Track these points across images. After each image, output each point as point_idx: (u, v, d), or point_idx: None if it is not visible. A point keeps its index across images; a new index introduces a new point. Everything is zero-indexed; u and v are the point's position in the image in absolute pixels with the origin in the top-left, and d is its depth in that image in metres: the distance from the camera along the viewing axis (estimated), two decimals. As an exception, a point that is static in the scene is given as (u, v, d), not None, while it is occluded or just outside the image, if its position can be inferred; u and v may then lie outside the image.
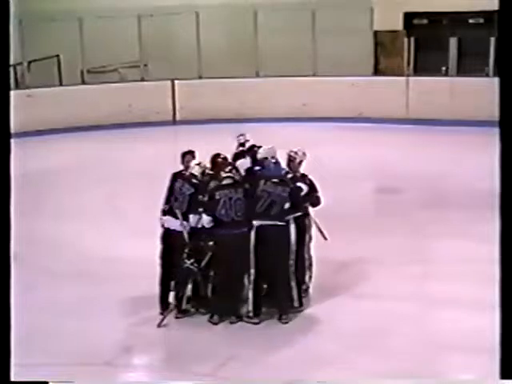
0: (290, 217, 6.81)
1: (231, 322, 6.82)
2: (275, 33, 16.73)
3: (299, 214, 6.93)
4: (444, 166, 12.62)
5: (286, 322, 6.81)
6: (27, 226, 8.48)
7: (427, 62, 16.79)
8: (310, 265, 7.28)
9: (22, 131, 12.72)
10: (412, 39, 16.76)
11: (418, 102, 16.00)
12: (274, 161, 7.05)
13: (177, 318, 6.94)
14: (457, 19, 16.69)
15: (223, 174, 6.92)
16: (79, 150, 14.67)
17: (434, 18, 16.87)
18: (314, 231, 7.25)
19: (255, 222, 6.72)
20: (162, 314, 6.93)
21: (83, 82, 17.01)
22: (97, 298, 7.44)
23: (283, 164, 7.16)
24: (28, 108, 14.99)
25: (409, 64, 16.77)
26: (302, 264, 7.11)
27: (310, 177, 7.11)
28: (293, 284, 6.90)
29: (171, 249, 6.96)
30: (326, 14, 16.30)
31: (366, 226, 9.52)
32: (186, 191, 6.93)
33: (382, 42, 17.01)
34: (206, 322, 6.83)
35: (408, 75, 16.42)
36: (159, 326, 6.77)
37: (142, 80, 17.12)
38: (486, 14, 15.44)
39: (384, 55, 17.06)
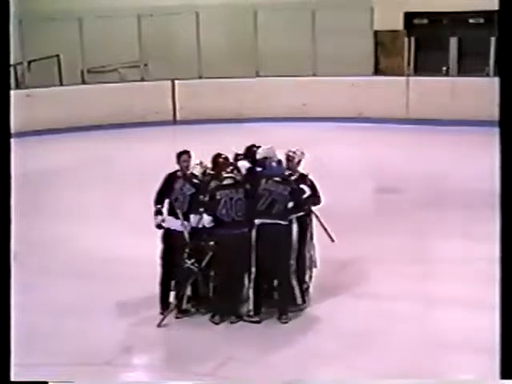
0: (293, 216, 6.83)
1: (231, 322, 6.82)
2: (275, 33, 16.75)
3: (301, 213, 6.94)
4: (444, 165, 12.62)
5: (286, 322, 6.81)
6: (27, 226, 8.47)
7: (427, 62, 16.78)
8: (311, 264, 7.28)
9: (21, 131, 12.73)
10: (412, 39, 16.76)
11: (418, 101, 16.01)
12: (276, 160, 7.04)
13: (177, 317, 6.94)
14: (457, 19, 16.69)
15: (224, 174, 6.92)
16: (79, 149, 14.67)
17: (435, 17, 16.87)
18: (315, 231, 7.24)
19: (256, 221, 6.73)
20: (162, 313, 6.92)
21: (83, 82, 17.04)
22: (97, 297, 7.44)
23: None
24: (28, 108, 15.00)
25: (409, 64, 16.77)
26: (303, 263, 7.12)
27: (310, 177, 7.12)
28: (294, 283, 6.92)
29: (172, 249, 6.96)
30: (326, 13, 16.31)
31: (366, 225, 9.52)
32: (187, 191, 6.93)
33: (383, 42, 17.01)
34: (206, 321, 6.83)
35: (408, 75, 16.42)
36: (159, 325, 6.77)
37: (142, 80, 17.14)
38: (487, 14, 15.45)
39: (384, 55, 17.06)
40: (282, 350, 6.33)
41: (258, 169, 7.10)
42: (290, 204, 6.79)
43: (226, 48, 17.60)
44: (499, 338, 3.40)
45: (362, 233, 9.02)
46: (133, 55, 17.12)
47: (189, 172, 7.05)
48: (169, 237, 6.98)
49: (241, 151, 7.43)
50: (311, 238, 7.26)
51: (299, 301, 7.00)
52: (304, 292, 7.06)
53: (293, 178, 6.98)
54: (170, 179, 7.09)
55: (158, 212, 7.07)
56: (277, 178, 6.83)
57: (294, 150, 7.15)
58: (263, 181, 6.84)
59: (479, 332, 6.06)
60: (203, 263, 6.75)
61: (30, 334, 6.29)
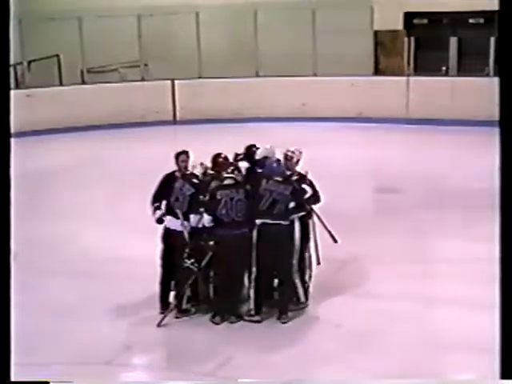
0: (295, 216, 6.83)
1: (231, 322, 6.83)
2: (275, 32, 16.74)
3: (303, 213, 6.94)
4: (444, 165, 12.63)
5: (286, 322, 6.81)
6: (26, 226, 8.47)
7: (427, 62, 16.79)
8: (309, 264, 7.29)
9: (21, 131, 12.73)
10: (412, 39, 16.75)
11: (418, 101, 15.99)
12: (275, 160, 7.05)
13: (177, 317, 6.94)
14: (457, 19, 16.69)
15: (225, 175, 6.92)
16: (79, 149, 14.67)
17: (435, 17, 16.88)
18: (317, 231, 7.25)
19: (257, 221, 6.73)
20: (162, 313, 6.92)
21: (83, 82, 17.02)
22: (96, 297, 7.44)
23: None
24: (28, 108, 14.99)
25: (409, 64, 16.76)
26: (304, 263, 7.12)
27: (308, 176, 7.12)
28: (297, 281, 6.96)
29: (172, 249, 6.96)
30: (326, 13, 16.30)
31: (366, 225, 9.54)
32: (187, 191, 6.93)
33: (383, 42, 17.01)
34: (205, 321, 6.83)
35: (408, 75, 16.41)
36: (159, 325, 6.77)
37: (142, 80, 17.13)
38: (486, 14, 15.45)
39: (384, 55, 17.06)
40: (282, 350, 6.34)
41: (259, 170, 7.10)
42: (292, 204, 6.79)
43: (226, 48, 17.61)
44: (499, 338, 3.40)
45: (362, 233, 9.03)
46: (133, 55, 17.10)
47: (189, 172, 7.04)
48: (168, 237, 6.98)
49: (240, 151, 7.44)
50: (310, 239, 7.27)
51: (302, 299, 7.03)
52: (306, 290, 7.08)
53: (294, 178, 6.97)
54: (167, 180, 7.09)
55: (157, 208, 7.07)
56: (277, 178, 6.83)
57: (292, 149, 7.14)
58: (264, 181, 6.84)
59: (479, 332, 6.06)
60: (203, 263, 6.75)
61: (30, 333, 6.28)
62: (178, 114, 17.01)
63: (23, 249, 6.79)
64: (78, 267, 8.35)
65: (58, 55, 17.72)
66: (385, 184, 12.02)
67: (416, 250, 8.65)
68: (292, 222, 6.81)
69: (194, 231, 6.83)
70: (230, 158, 7.27)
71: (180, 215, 6.84)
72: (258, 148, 7.39)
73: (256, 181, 6.89)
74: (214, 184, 6.93)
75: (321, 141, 14.28)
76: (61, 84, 17.70)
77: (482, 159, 10.19)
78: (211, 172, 7.11)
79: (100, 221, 10.19)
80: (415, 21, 16.98)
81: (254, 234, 6.73)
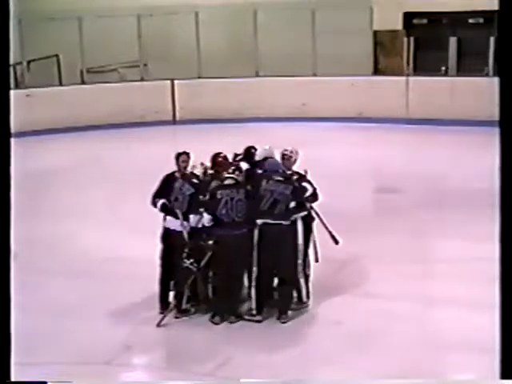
0: (297, 216, 6.83)
1: (231, 322, 6.82)
2: (275, 33, 16.75)
3: (305, 213, 6.94)
4: (444, 165, 12.62)
5: (285, 322, 6.81)
6: (26, 226, 8.47)
7: (427, 62, 16.80)
8: (308, 263, 7.28)
9: (21, 131, 12.71)
10: (412, 39, 16.77)
11: (417, 101, 16.01)
12: (272, 162, 7.04)
13: (176, 317, 6.94)
14: (456, 19, 16.70)
15: (226, 175, 6.92)
16: (78, 149, 14.67)
17: (434, 17, 16.89)
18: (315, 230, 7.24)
19: (258, 221, 6.73)
20: (161, 313, 6.92)
21: (83, 82, 17.05)
22: (96, 297, 7.44)
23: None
24: (27, 108, 14.99)
25: (408, 64, 16.78)
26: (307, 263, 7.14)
27: (308, 177, 7.12)
28: (302, 281, 6.97)
29: (171, 249, 6.95)
30: (326, 13, 16.31)
31: (366, 225, 9.54)
32: (186, 191, 6.92)
33: (382, 42, 17.02)
34: (205, 321, 6.82)
35: (408, 75, 16.43)
36: (159, 325, 6.77)
37: (142, 80, 17.15)
38: (486, 14, 15.46)
39: (384, 55, 17.07)
40: (282, 350, 6.34)
41: (259, 171, 7.09)
42: (292, 203, 6.79)
43: (225, 48, 17.61)
44: (499, 337, 3.40)
45: (362, 233, 9.02)
46: (132, 55, 17.12)
47: (188, 172, 7.04)
48: (168, 237, 6.98)
49: (240, 151, 7.43)
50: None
51: (305, 299, 7.05)
52: (308, 291, 7.09)
53: (295, 177, 6.97)
54: (167, 180, 7.08)
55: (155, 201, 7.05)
56: (277, 178, 6.83)
57: (289, 149, 7.14)
58: (264, 181, 6.83)
59: (479, 332, 6.06)
60: (202, 263, 6.74)
61: (30, 333, 6.27)
62: (177, 113, 17.03)
63: (23, 249, 6.78)
64: (77, 267, 8.35)
65: (57, 55, 17.73)
66: (385, 184, 12.02)
67: (416, 249, 8.65)
68: (294, 222, 6.80)
69: (194, 231, 6.82)
70: (230, 158, 7.27)
71: (180, 215, 6.83)
72: (256, 149, 7.38)
73: (256, 181, 6.89)
74: (214, 184, 6.92)
75: (320, 141, 14.30)
76: (60, 84, 17.71)
77: (482, 159, 10.19)
78: (211, 172, 7.11)
79: (100, 221, 10.18)
80: (415, 21, 16.98)
81: (256, 233, 6.72)
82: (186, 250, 6.75)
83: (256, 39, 16.86)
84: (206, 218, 6.74)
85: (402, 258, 8.30)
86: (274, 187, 6.78)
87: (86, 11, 16.73)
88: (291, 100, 16.43)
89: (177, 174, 7.06)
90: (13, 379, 3.54)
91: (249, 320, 6.82)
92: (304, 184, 6.93)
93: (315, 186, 7.01)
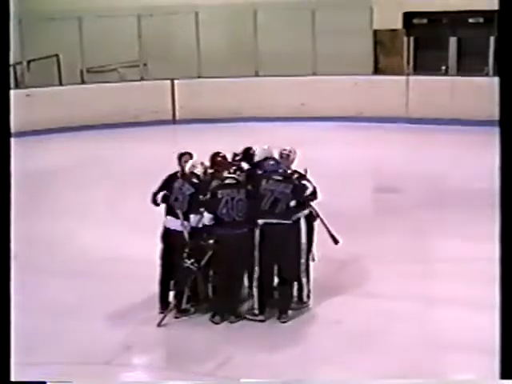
0: (299, 215, 6.83)
1: (231, 322, 6.82)
2: (275, 32, 16.74)
3: (306, 212, 6.93)
4: (444, 165, 12.62)
5: (285, 322, 6.82)
6: (26, 226, 8.47)
7: (427, 62, 16.81)
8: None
9: (20, 131, 12.71)
10: (412, 38, 16.76)
11: (417, 101, 16.01)
12: (272, 162, 7.02)
13: (176, 317, 6.93)
14: (457, 18, 16.70)
15: (227, 174, 6.92)
16: (78, 149, 14.68)
17: (434, 17, 16.89)
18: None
19: (259, 221, 6.73)
20: (161, 313, 6.92)
21: (83, 82, 17.04)
22: (96, 297, 7.44)
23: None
24: (27, 107, 14.99)
25: (408, 63, 16.77)
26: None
27: (308, 176, 7.12)
28: (304, 281, 6.97)
29: (171, 248, 6.95)
30: (326, 13, 16.31)
31: (366, 225, 9.55)
32: (186, 191, 6.92)
33: (382, 41, 17.03)
34: (205, 321, 6.83)
35: (408, 74, 16.43)
36: (159, 325, 6.77)
37: (142, 79, 17.15)
38: (486, 14, 15.46)
39: (384, 54, 17.08)
40: (282, 350, 6.34)
41: (259, 171, 7.08)
42: (293, 202, 6.78)
43: (225, 48, 17.62)
44: (499, 338, 3.41)
45: (362, 232, 9.02)
46: (132, 55, 17.13)
47: (188, 171, 7.03)
48: (168, 236, 6.98)
49: (239, 151, 7.40)
50: None
51: (305, 299, 7.05)
52: (309, 291, 7.09)
53: (295, 176, 6.97)
54: (169, 181, 7.08)
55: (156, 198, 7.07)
56: (277, 177, 6.83)
57: (288, 148, 7.15)
58: (264, 181, 6.84)
59: (479, 332, 6.05)
60: (202, 262, 6.74)
61: (30, 333, 6.28)
62: (177, 113, 17.02)
63: (23, 248, 6.80)
64: (77, 266, 8.35)
65: (57, 55, 17.73)
66: (385, 184, 12.02)
67: (416, 249, 8.65)
68: (296, 222, 6.80)
69: (194, 231, 6.82)
70: (229, 158, 7.27)
71: (180, 215, 6.83)
72: (253, 150, 7.35)
73: (256, 181, 6.89)
74: (214, 183, 6.93)
75: (320, 140, 14.32)
76: (60, 84, 17.69)
77: (482, 159, 10.20)
78: (210, 171, 7.11)
79: (99, 220, 10.20)
80: (415, 20, 16.98)
81: (257, 233, 6.73)
82: (187, 250, 6.74)
83: (256, 39, 16.85)
84: (207, 217, 6.74)
85: (403, 258, 8.30)
86: (274, 187, 6.78)
87: (85, 11, 16.73)
88: (291, 100, 16.42)
89: (179, 175, 7.07)
90: (13, 379, 3.55)
91: (251, 320, 6.82)
92: (304, 182, 6.93)
93: (315, 184, 7.00)
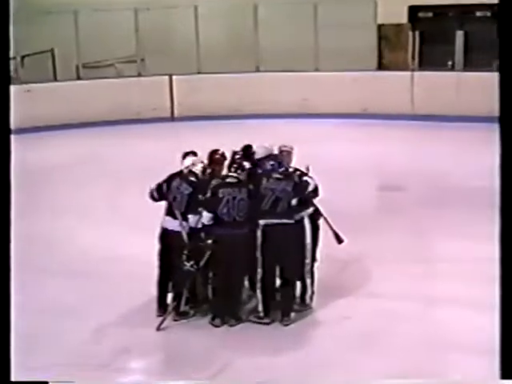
0: (302, 214, 6.86)
1: (231, 325, 6.85)
2: (276, 27, 16.76)
3: (309, 211, 6.96)
4: (449, 163, 12.61)
5: (287, 324, 6.85)
6: (25, 225, 8.53)
7: (433, 56, 16.81)
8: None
9: (15, 128, 12.69)
10: (417, 33, 16.81)
11: (423, 97, 16.00)
12: (272, 163, 7.04)
13: (175, 320, 6.95)
14: (463, 12, 16.75)
15: (228, 173, 6.94)
16: (74, 147, 14.69)
17: (440, 10, 16.92)
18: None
19: (261, 221, 6.75)
20: (159, 316, 6.94)
21: (78, 78, 17.06)
22: (96, 297, 7.48)
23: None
24: (22, 104, 14.97)
25: (414, 58, 16.81)
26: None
27: (310, 174, 7.14)
28: (308, 282, 7.01)
29: (169, 249, 6.96)
30: (329, 7, 16.35)
31: (369, 224, 9.57)
32: (184, 191, 6.94)
33: (386, 36, 17.04)
34: (204, 324, 6.86)
35: (413, 70, 16.46)
36: (158, 329, 6.79)
37: (139, 75, 17.14)
38: (494, 7, 15.44)
39: (388, 49, 17.08)
40: (285, 353, 6.39)
41: (259, 170, 7.11)
42: (294, 200, 6.81)
43: (225, 42, 17.60)
44: (499, 337, 3.46)
45: (364, 231, 9.04)
46: (129, 50, 17.11)
47: (186, 170, 7.05)
48: (166, 237, 6.98)
49: (238, 149, 7.38)
50: None
51: (308, 301, 7.09)
52: (313, 293, 7.12)
53: (297, 173, 7.00)
54: (170, 179, 7.10)
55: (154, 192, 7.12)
56: (277, 175, 6.86)
57: (287, 145, 7.22)
58: (264, 180, 6.87)
59: (481, 332, 6.08)
60: (201, 263, 6.74)
61: (30, 334, 6.31)
62: (175, 110, 17.01)
63: (22, 248, 6.84)
64: (76, 267, 8.39)
65: (52, 50, 17.70)
66: (388, 182, 12.05)
67: (419, 249, 8.69)
68: (298, 221, 6.83)
69: (193, 231, 6.83)
70: (228, 155, 7.27)
71: (178, 215, 6.85)
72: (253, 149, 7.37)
73: (256, 180, 6.92)
74: (214, 182, 6.94)
75: (323, 137, 14.34)
76: (55, 79, 17.64)
77: (488, 157, 10.17)
78: (209, 170, 7.15)
79: (99, 219, 10.25)
80: (420, 14, 17.02)
81: (259, 234, 6.74)
82: (186, 252, 6.75)
83: (257, 33, 16.86)
84: (206, 217, 6.75)
85: (405, 258, 8.34)
86: (274, 185, 6.81)
87: (81, 5, 16.71)
88: (293, 96, 16.41)
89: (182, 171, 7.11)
90: (13, 379, 3.62)
91: (257, 322, 6.85)
92: (305, 179, 6.95)
93: (316, 182, 7.03)
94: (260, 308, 6.88)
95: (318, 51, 16.59)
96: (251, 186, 6.87)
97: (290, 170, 7.03)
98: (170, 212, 6.97)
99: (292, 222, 6.79)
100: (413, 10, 16.85)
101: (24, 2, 17.22)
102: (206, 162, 7.21)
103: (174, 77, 16.92)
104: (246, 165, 7.12)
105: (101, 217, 10.38)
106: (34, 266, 8.25)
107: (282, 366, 6.17)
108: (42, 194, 11.56)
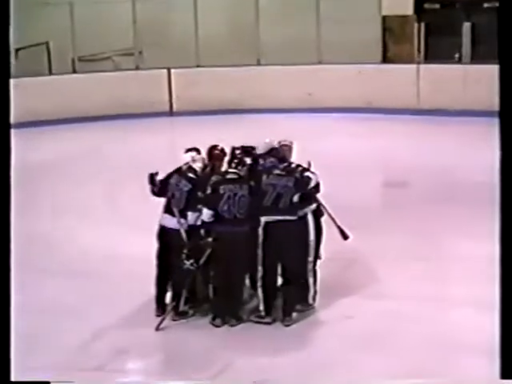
0: (305, 210, 6.89)
1: (231, 325, 6.88)
2: (277, 18, 16.75)
3: (312, 207, 6.99)
4: (455, 158, 12.62)
5: (289, 325, 6.88)
6: (22, 223, 8.57)
7: (439, 49, 16.77)
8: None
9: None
10: (423, 24, 16.75)
11: (429, 91, 15.99)
12: (272, 159, 7.10)
13: (174, 320, 6.98)
14: (471, 3, 16.72)
15: (228, 169, 6.99)
16: (71, 142, 14.71)
17: (447, 1, 16.90)
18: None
19: (263, 218, 6.77)
20: (158, 315, 6.98)
21: (74, 71, 17.04)
22: (95, 298, 7.51)
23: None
24: (15, 98, 14.93)
25: (419, 51, 16.77)
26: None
27: (311, 169, 7.17)
28: (311, 281, 7.01)
29: (168, 247, 7.00)
30: (332, -2, 16.39)
31: (372, 221, 9.58)
32: (183, 187, 6.96)
33: (391, 28, 16.99)
34: (204, 324, 6.90)
35: (419, 63, 16.44)
36: (157, 329, 6.82)
37: (137, 68, 17.12)
38: (502, -2, 15.44)
39: (393, 41, 17.04)
40: (286, 353, 6.43)
41: (260, 167, 7.16)
42: (296, 196, 6.84)
43: (225, 35, 17.51)
44: (499, 337, 3.53)
45: (368, 229, 9.02)
46: (127, 42, 17.08)
47: (185, 167, 7.08)
48: (164, 235, 7.02)
49: (238, 145, 7.40)
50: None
51: (311, 301, 7.11)
52: (315, 293, 7.14)
53: (299, 169, 7.01)
54: (168, 176, 7.15)
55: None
56: (277, 171, 6.90)
57: (286, 140, 7.25)
58: (264, 176, 6.91)
59: (480, 332, 6.12)
60: (201, 261, 6.77)
61: (30, 334, 6.35)
62: (174, 104, 16.99)
63: (21, 247, 6.88)
64: (75, 266, 8.44)
65: (47, 42, 17.62)
66: (393, 177, 12.14)
67: (424, 247, 8.71)
68: (301, 218, 6.85)
69: (192, 229, 6.86)
70: (228, 151, 7.31)
71: (176, 213, 6.87)
72: (253, 148, 7.35)
73: (257, 176, 6.96)
74: (214, 178, 6.96)
75: (326, 132, 14.37)
76: (50, 73, 17.57)
77: (495, 152, 10.20)
78: (208, 165, 7.19)
79: (98, 217, 10.31)
80: (426, 5, 16.98)
81: (260, 232, 6.77)
82: (185, 251, 6.77)
83: (258, 25, 16.82)
84: (206, 214, 6.77)
85: (410, 256, 8.38)
86: (275, 181, 6.84)
87: (78, -4, 16.76)
88: (295, 90, 16.39)
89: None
90: (13, 379, 3.67)
91: (258, 322, 6.88)
92: (307, 174, 6.96)
93: (318, 179, 7.03)
94: (261, 307, 6.91)
95: (321, 44, 16.57)
96: (252, 183, 6.89)
97: (292, 165, 7.04)
98: (168, 209, 7.00)
99: (294, 218, 6.81)
100: (418, 1, 16.82)
101: (18, -7, 17.22)
102: (205, 158, 7.25)
103: (172, 70, 16.88)
104: (247, 160, 7.16)
105: (100, 216, 10.40)
106: (33, 266, 8.26)
107: (283, 366, 6.21)
108: (39, 192, 11.53)
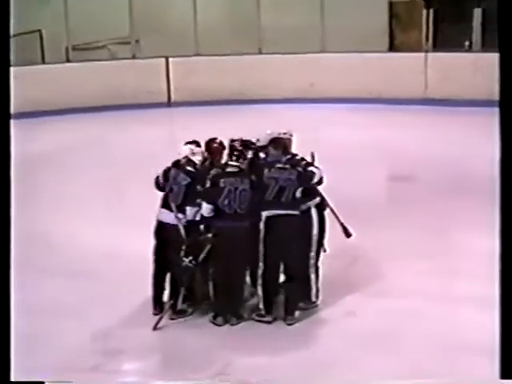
0: (309, 204, 6.93)
1: (232, 324, 6.93)
2: (279, 5, 16.80)
3: (315, 201, 7.03)
4: (465, 150, 12.60)
5: (291, 324, 6.94)
6: (20, 220, 8.62)
7: (448, 36, 16.77)
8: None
9: None
10: (431, 11, 16.77)
11: (437, 80, 16.04)
12: (273, 152, 7.10)
13: (172, 319, 7.02)
14: (482, -12, 16.78)
15: (229, 162, 7.02)
16: (65, 133, 14.77)
17: (457, -14, 16.95)
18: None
19: (265, 213, 6.80)
20: (155, 314, 7.02)
21: (68, 60, 17.11)
22: (95, 298, 7.55)
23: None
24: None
25: (428, 39, 16.79)
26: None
27: (315, 163, 7.21)
28: (312, 277, 7.05)
29: (165, 244, 7.02)
30: (336, -17, 16.40)
31: (377, 216, 9.61)
32: (182, 181, 6.98)
33: (398, 15, 17.04)
34: (203, 323, 6.94)
35: (427, 51, 16.47)
36: (155, 328, 6.86)
37: (134, 57, 17.18)
38: (514, -17, 15.45)
39: (400, 29, 17.08)
40: (288, 353, 6.47)
41: (261, 161, 7.19)
42: (299, 191, 6.88)
43: (225, 22, 17.61)
44: (499, 337, 3.59)
45: (373, 224, 9.08)
46: (123, 30, 17.16)
47: (184, 160, 7.10)
48: (162, 231, 7.04)
49: (236, 137, 7.37)
50: None
51: (314, 298, 7.15)
52: (318, 290, 7.19)
53: (303, 163, 7.03)
54: (167, 170, 7.18)
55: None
56: (280, 165, 6.93)
57: (285, 132, 7.24)
58: (266, 170, 6.94)
59: (481, 332, 6.19)
60: (200, 257, 6.80)
61: (29, 334, 6.39)
62: (172, 94, 17.05)
63: (20, 246, 6.93)
64: (74, 265, 8.48)
65: (40, 30, 17.70)
66: (399, 170, 12.12)
67: (431, 243, 8.72)
68: (304, 212, 6.89)
69: (191, 225, 6.88)
70: (226, 144, 7.31)
71: (173, 207, 6.89)
72: (253, 143, 7.34)
73: (258, 170, 6.98)
74: (214, 171, 6.97)
75: (329, 123, 14.37)
76: (43, 62, 17.63)
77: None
78: (208, 158, 7.22)
79: (98, 215, 10.29)
80: (435, -10, 17.06)
81: (261, 227, 6.80)
82: (184, 248, 6.80)
83: (259, 12, 16.89)
84: (206, 208, 6.79)
85: (416, 253, 8.39)
86: (277, 174, 6.87)
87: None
88: (298, 79, 16.44)
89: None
90: (12, 379, 3.75)
91: (258, 321, 6.93)
92: (310, 168, 6.98)
93: (322, 172, 7.04)
94: (261, 305, 6.96)
95: (325, 31, 16.62)
96: (253, 177, 6.92)
97: (296, 158, 7.06)
98: (165, 204, 7.03)
99: (297, 213, 6.86)
100: (427, -14, 16.91)
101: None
102: (204, 151, 7.27)
103: (170, 59, 16.93)
104: (249, 153, 7.18)
105: (100, 211, 10.43)
106: (33, 266, 8.28)
107: (285, 365, 6.27)
108: (36, 186, 11.52)
